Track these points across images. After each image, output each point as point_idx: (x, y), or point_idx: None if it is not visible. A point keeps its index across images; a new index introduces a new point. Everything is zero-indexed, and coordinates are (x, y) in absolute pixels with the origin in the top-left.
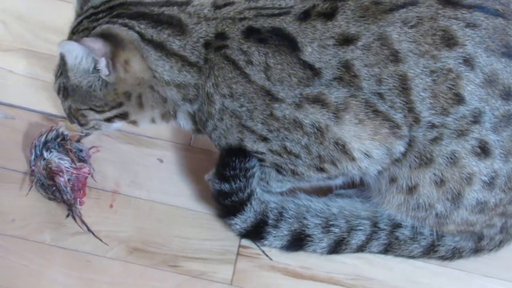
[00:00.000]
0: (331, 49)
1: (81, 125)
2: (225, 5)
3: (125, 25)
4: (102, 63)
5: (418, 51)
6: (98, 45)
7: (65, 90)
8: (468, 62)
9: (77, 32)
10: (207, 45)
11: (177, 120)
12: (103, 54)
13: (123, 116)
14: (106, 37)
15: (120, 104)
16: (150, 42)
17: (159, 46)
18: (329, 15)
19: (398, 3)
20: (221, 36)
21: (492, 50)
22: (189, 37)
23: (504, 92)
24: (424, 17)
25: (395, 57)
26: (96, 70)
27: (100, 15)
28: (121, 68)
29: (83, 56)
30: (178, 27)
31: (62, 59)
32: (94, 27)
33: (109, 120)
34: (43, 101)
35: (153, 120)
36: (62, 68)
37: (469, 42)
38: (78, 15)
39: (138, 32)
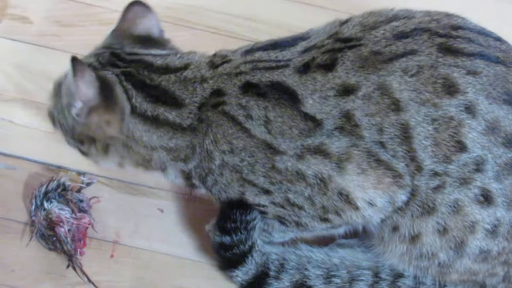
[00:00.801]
0: (332, 100)
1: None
2: (222, 63)
3: (126, 92)
4: (77, 105)
5: (419, 100)
6: (89, 92)
7: (58, 87)
8: (469, 109)
9: (97, 61)
10: (201, 106)
11: (166, 175)
12: (84, 100)
13: (83, 152)
14: (104, 87)
15: (81, 142)
16: (141, 116)
17: (151, 119)
18: (329, 66)
19: (398, 53)
20: (217, 92)
21: (493, 98)
22: (184, 108)
23: (506, 139)
24: (424, 65)
25: (396, 106)
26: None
27: (119, 63)
28: (98, 124)
29: (73, 79)
30: (173, 103)
31: None
32: (107, 69)
33: (67, 141)
34: (44, 152)
35: (120, 165)
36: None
37: (470, 89)
38: (104, 47)
39: (132, 105)
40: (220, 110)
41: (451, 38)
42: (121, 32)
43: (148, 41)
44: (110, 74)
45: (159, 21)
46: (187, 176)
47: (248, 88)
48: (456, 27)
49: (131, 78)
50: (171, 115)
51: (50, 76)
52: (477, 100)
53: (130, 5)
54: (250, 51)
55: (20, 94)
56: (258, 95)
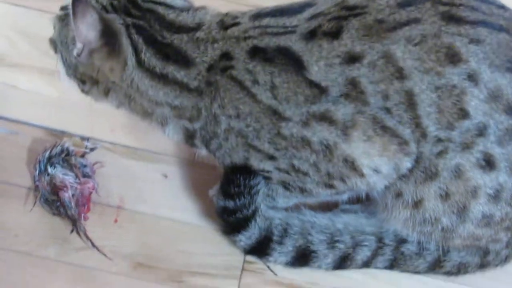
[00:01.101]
0: (337, 67)
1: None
2: (232, 25)
3: (136, 45)
4: (78, 46)
5: (422, 68)
6: (90, 34)
7: (66, 14)
8: (472, 78)
9: (110, 5)
10: (210, 68)
11: (164, 130)
12: (85, 42)
13: (80, 87)
14: (108, 33)
15: (83, 82)
16: (148, 71)
17: (159, 77)
18: (334, 34)
19: (402, 21)
20: (226, 56)
21: (496, 66)
22: (193, 68)
23: (508, 107)
24: (428, 34)
25: (400, 74)
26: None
27: (133, 12)
28: (100, 67)
29: (83, 16)
30: (184, 62)
31: None
32: (118, 17)
33: (67, 73)
34: (47, 117)
35: (118, 107)
36: None
37: (472, 58)
38: None
39: (140, 59)
40: (228, 75)
41: (454, 6)
42: None
43: None
44: (118, 22)
45: None
46: (190, 135)
47: (256, 52)
48: None
49: (143, 32)
50: (179, 74)
51: None
52: (479, 68)
53: None
54: (258, 16)
55: (23, 59)
56: (265, 60)
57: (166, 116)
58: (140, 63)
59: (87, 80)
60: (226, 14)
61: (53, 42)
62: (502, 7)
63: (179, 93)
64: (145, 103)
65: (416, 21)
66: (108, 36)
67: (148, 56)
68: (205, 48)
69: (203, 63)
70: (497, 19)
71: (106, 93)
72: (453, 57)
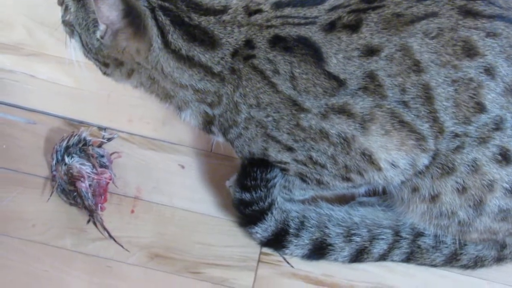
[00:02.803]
0: (356, 60)
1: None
2: (255, 12)
3: (162, 26)
4: (101, 27)
5: (439, 61)
6: (112, 14)
7: None
8: (489, 71)
9: None
10: (234, 53)
11: (181, 114)
12: (108, 23)
13: (102, 71)
14: (132, 13)
15: (106, 64)
16: (174, 52)
17: (185, 59)
18: (354, 27)
19: (419, 15)
20: (249, 43)
21: None
22: (219, 50)
23: None
24: (445, 28)
25: (417, 67)
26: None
27: None
28: (126, 48)
29: None
30: (210, 43)
31: None
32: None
33: (86, 56)
34: (65, 106)
35: (136, 88)
36: None
37: (489, 52)
38: None
39: (167, 41)
40: (250, 64)
41: (471, 1)
42: None
43: None
44: (143, 3)
45: None
46: (210, 121)
47: (276, 41)
48: None
49: (170, 14)
50: (204, 56)
51: None
52: (496, 62)
53: None
54: (279, 4)
55: (41, 49)
56: (285, 50)
57: (188, 99)
58: (166, 44)
59: (110, 62)
60: (251, 2)
61: (68, 25)
62: None
63: (203, 76)
64: (168, 85)
65: (433, 15)
66: (132, 16)
67: (175, 38)
68: (232, 30)
69: (229, 46)
70: None
71: (130, 74)
72: (470, 51)
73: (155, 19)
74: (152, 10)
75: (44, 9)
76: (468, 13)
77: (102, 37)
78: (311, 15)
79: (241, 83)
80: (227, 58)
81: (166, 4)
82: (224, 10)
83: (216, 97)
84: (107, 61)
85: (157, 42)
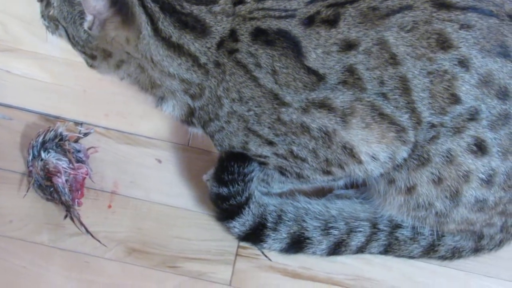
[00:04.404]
0: (335, 55)
1: (42, 16)
2: (239, 1)
3: (152, 14)
4: (88, 18)
5: (415, 54)
6: (98, 3)
7: None
8: (463, 63)
9: None
10: (220, 44)
11: (163, 104)
12: (95, 12)
13: (88, 63)
14: (118, 2)
15: (93, 57)
16: (164, 40)
17: (175, 46)
18: (332, 21)
19: (394, 8)
20: (233, 34)
21: (487, 51)
22: (208, 39)
23: (500, 92)
24: (419, 20)
25: (394, 60)
26: None
27: None
28: (115, 38)
29: None
30: (201, 31)
31: None
32: None
33: (73, 48)
34: (41, 102)
35: (121, 79)
36: None
37: (463, 43)
38: None
39: (156, 29)
40: (233, 58)
41: None
42: None
43: None
44: None
45: None
46: (191, 112)
47: (258, 34)
48: None
49: (159, 1)
50: (194, 45)
51: None
52: (470, 54)
53: None
54: None
55: (17, 44)
56: (267, 43)
57: (174, 89)
58: (156, 31)
59: (98, 54)
60: None
61: (52, 19)
62: None
63: (190, 66)
64: (156, 74)
65: (408, 8)
66: (119, 4)
67: (165, 25)
68: (221, 18)
69: (217, 34)
70: (487, 4)
71: (119, 66)
72: (444, 43)
73: (143, 6)
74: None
75: (21, 4)
76: (442, 5)
77: (90, 28)
78: (290, 8)
79: (225, 78)
80: (212, 49)
81: None
82: (215, 0)
83: (198, 89)
84: (95, 53)
85: (146, 29)
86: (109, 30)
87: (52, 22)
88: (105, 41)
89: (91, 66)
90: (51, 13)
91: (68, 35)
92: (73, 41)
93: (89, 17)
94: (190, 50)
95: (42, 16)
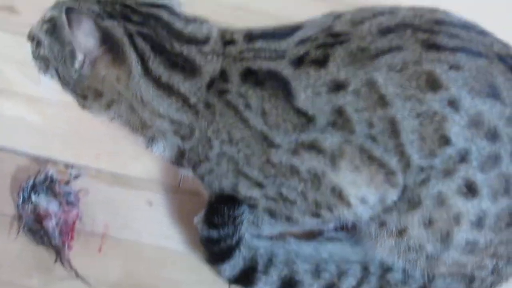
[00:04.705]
0: (324, 96)
1: (34, 57)
2: (230, 42)
3: (142, 53)
4: (79, 57)
5: (404, 95)
6: (89, 42)
7: (53, 27)
8: (453, 104)
9: (103, 9)
10: (210, 84)
11: (153, 146)
12: (86, 51)
13: (79, 104)
14: (109, 40)
15: (85, 97)
16: (154, 80)
17: (164, 86)
18: (321, 62)
19: (383, 49)
20: (223, 74)
21: (476, 92)
22: (198, 79)
23: (489, 133)
24: (409, 61)
25: (383, 101)
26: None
27: (134, 18)
28: (106, 77)
29: (78, 27)
30: (191, 71)
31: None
32: (118, 24)
33: (64, 89)
34: (32, 143)
35: (112, 120)
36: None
37: (453, 84)
38: None
39: (146, 68)
40: (223, 99)
41: (433, 34)
42: None
43: None
44: (119, 29)
45: None
46: (181, 153)
47: (248, 75)
48: (439, 22)
49: (150, 40)
50: (184, 86)
51: None
52: (460, 94)
53: None
54: (251, 37)
55: (5, 85)
56: (256, 84)
57: (164, 130)
58: (147, 71)
59: (89, 93)
60: (226, 30)
61: (43, 59)
62: (481, 33)
63: (180, 106)
64: (146, 115)
65: (398, 48)
66: (110, 43)
67: (155, 65)
68: (211, 58)
69: (207, 74)
70: (476, 45)
71: (109, 105)
72: (434, 84)
73: (134, 45)
74: (130, 36)
75: (10, 45)
76: (431, 46)
77: (80, 67)
78: (280, 48)
79: (215, 119)
80: (203, 89)
81: (145, 31)
82: (205, 40)
83: (188, 130)
84: (86, 92)
85: (137, 68)
86: (100, 68)
87: (43, 62)
88: (96, 80)
89: (82, 106)
90: (41, 53)
91: (59, 75)
92: (64, 81)
93: (79, 56)
94: (180, 91)
95: (34, 56)
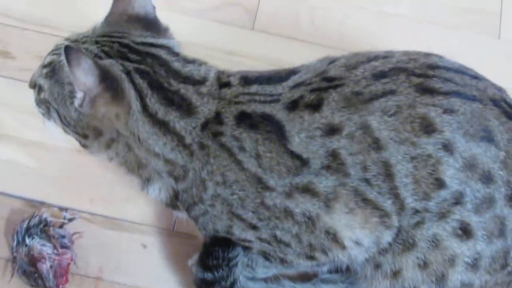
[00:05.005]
0: (318, 139)
1: (37, 104)
2: (225, 84)
3: (140, 89)
4: (79, 95)
5: (398, 139)
6: (88, 80)
7: (53, 71)
8: (447, 147)
9: (99, 46)
10: (205, 125)
11: (149, 187)
12: (85, 89)
13: (81, 144)
14: (108, 78)
15: (85, 136)
16: (151, 116)
17: (161, 124)
18: (315, 106)
19: (377, 93)
20: (218, 117)
21: (470, 135)
22: (194, 119)
23: (483, 176)
24: (403, 105)
25: (377, 145)
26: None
27: (132, 57)
28: (105, 114)
29: (77, 66)
30: (187, 110)
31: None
32: (116, 62)
33: (67, 133)
34: (26, 187)
35: (111, 160)
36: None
37: (447, 128)
38: (106, 33)
39: (144, 105)
40: (218, 141)
41: (427, 78)
42: (117, 16)
43: (150, 23)
44: (117, 67)
45: None
46: (175, 195)
47: (242, 118)
48: (433, 67)
49: (147, 77)
50: (179, 124)
51: (31, 111)
52: (454, 138)
53: None
54: (246, 81)
55: (1, 130)
56: (251, 127)
57: (159, 170)
58: (145, 107)
59: (90, 132)
60: (222, 72)
61: (44, 103)
62: (475, 77)
63: (175, 145)
64: (142, 153)
65: (391, 92)
66: (108, 80)
67: (153, 102)
68: (208, 100)
69: (203, 114)
70: (470, 90)
71: (109, 145)
72: (428, 127)
73: (132, 82)
74: (128, 73)
75: (4, 89)
76: (425, 90)
77: (80, 106)
78: (276, 92)
79: (209, 161)
80: (197, 130)
81: (142, 67)
82: (202, 81)
83: (182, 171)
84: (87, 131)
85: (136, 105)
86: (100, 106)
87: (44, 105)
88: (95, 119)
89: (83, 145)
90: (43, 97)
91: (59, 116)
92: (65, 122)
93: (79, 94)
94: (176, 129)
95: (36, 103)
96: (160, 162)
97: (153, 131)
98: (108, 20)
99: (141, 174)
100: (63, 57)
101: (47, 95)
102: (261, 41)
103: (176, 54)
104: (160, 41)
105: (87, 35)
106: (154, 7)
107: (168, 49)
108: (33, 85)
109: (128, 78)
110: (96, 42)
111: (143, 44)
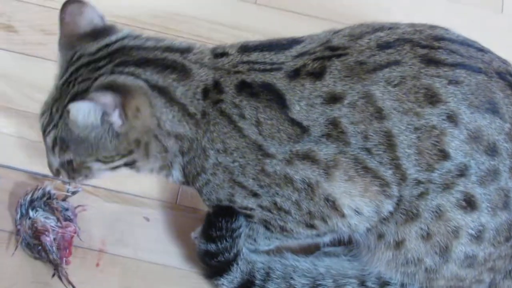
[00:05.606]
0: (318, 107)
1: (73, 178)
2: (222, 55)
3: (131, 74)
4: (115, 115)
5: (401, 109)
6: (108, 99)
7: (63, 144)
8: (451, 118)
9: (75, 83)
10: (205, 93)
11: (172, 172)
12: (115, 106)
13: (131, 164)
14: (113, 88)
15: (130, 152)
16: (156, 87)
17: (164, 92)
18: (317, 74)
19: (382, 63)
20: (217, 86)
21: (475, 107)
22: (191, 82)
23: (488, 148)
24: (407, 76)
25: (380, 114)
26: (105, 122)
27: (101, 63)
28: (133, 115)
29: (91, 110)
30: (182, 71)
31: (58, 112)
32: (96, 78)
33: (115, 168)
34: (29, 160)
35: (151, 170)
36: (57, 121)
37: (452, 99)
38: (68, 64)
39: (144, 80)
40: (217, 108)
41: (433, 49)
42: (67, 39)
43: (98, 33)
44: (102, 78)
45: (96, 9)
46: (183, 170)
47: (243, 87)
48: (438, 38)
49: (127, 62)
50: (179, 90)
51: (35, 85)
52: (459, 109)
53: (63, 8)
54: (246, 49)
55: (4, 103)
56: (251, 95)
57: (174, 151)
58: (147, 82)
59: (132, 146)
60: (217, 45)
61: (80, 168)
62: (481, 49)
63: (181, 116)
64: (162, 139)
65: (396, 63)
66: (116, 89)
67: (148, 74)
68: (200, 66)
69: (199, 80)
70: (475, 62)
71: (146, 151)
72: (432, 98)
73: (122, 73)
74: (112, 72)
75: (8, 63)
76: (430, 61)
77: (122, 123)
78: (277, 61)
79: (209, 128)
80: (199, 97)
81: (118, 61)
82: (188, 50)
83: (188, 143)
84: (129, 148)
85: (140, 86)
86: (128, 112)
87: (83, 170)
88: (130, 127)
89: (131, 167)
90: (75, 165)
91: (100, 161)
92: (108, 160)
93: (115, 114)
94: (176, 96)
95: (75, 178)
96: (172, 141)
97: (163, 102)
98: (60, 44)
99: (167, 164)
100: (71, 115)
101: (79, 160)
102: (264, 15)
103: (139, 36)
104: (114, 37)
105: (54, 92)
106: (101, 17)
107: (128, 37)
108: (56, 172)
109: (117, 75)
110: (69, 84)
111: (100, 49)
